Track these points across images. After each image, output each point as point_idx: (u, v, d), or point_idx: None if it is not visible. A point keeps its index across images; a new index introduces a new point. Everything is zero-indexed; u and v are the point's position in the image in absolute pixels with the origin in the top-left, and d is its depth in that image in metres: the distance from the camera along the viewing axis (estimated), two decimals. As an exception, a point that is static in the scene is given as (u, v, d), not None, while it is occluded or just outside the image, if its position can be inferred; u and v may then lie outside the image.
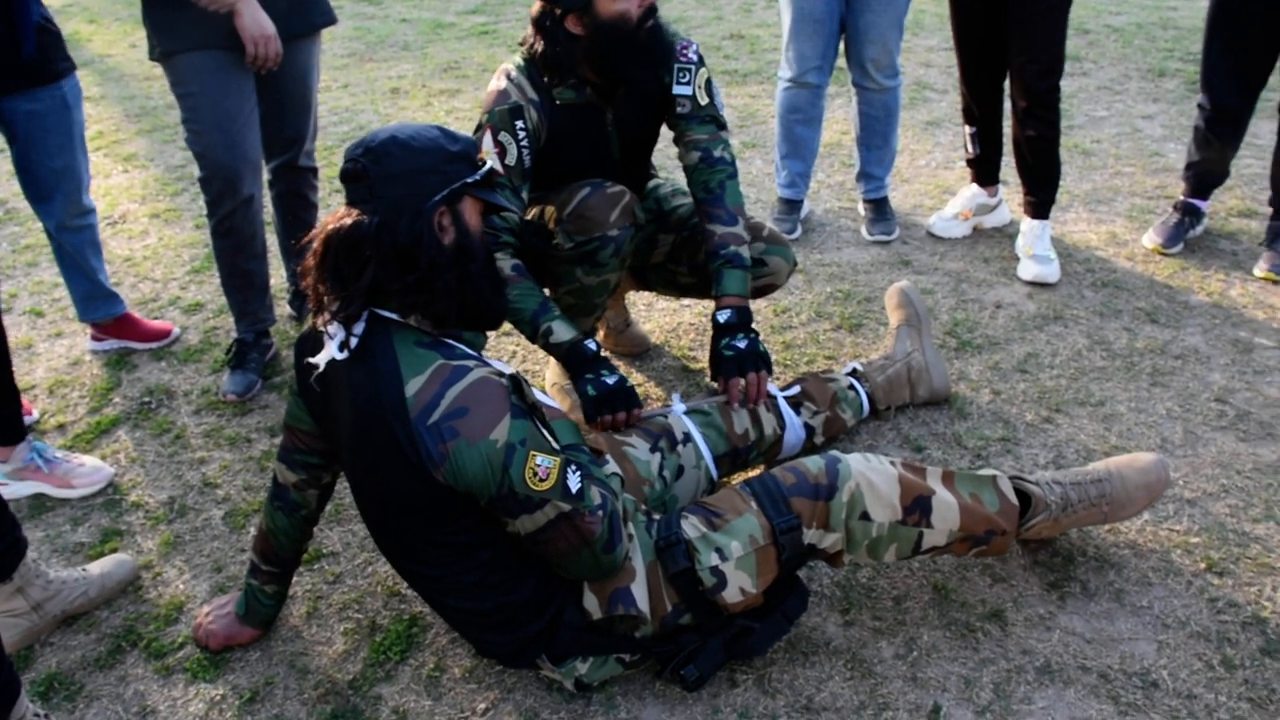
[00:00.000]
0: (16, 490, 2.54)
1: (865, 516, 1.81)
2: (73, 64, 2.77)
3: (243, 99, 2.69)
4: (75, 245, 2.96)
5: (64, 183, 2.82)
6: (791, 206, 3.64)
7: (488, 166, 1.73)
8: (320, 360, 1.71)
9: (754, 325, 2.38)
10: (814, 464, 1.85)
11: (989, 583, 2.09)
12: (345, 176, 1.66)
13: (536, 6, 2.29)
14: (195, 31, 2.58)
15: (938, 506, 1.86)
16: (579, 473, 1.68)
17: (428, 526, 1.69)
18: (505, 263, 2.27)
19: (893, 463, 1.89)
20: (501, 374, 1.65)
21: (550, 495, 1.62)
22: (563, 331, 2.25)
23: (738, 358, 2.32)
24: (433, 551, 1.73)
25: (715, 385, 2.37)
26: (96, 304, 3.08)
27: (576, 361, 2.26)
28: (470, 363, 1.63)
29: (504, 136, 2.28)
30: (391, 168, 1.62)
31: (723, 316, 2.36)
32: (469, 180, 1.68)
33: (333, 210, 1.71)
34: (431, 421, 1.57)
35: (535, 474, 1.60)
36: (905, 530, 1.84)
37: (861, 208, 3.71)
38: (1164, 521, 2.22)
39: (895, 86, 3.45)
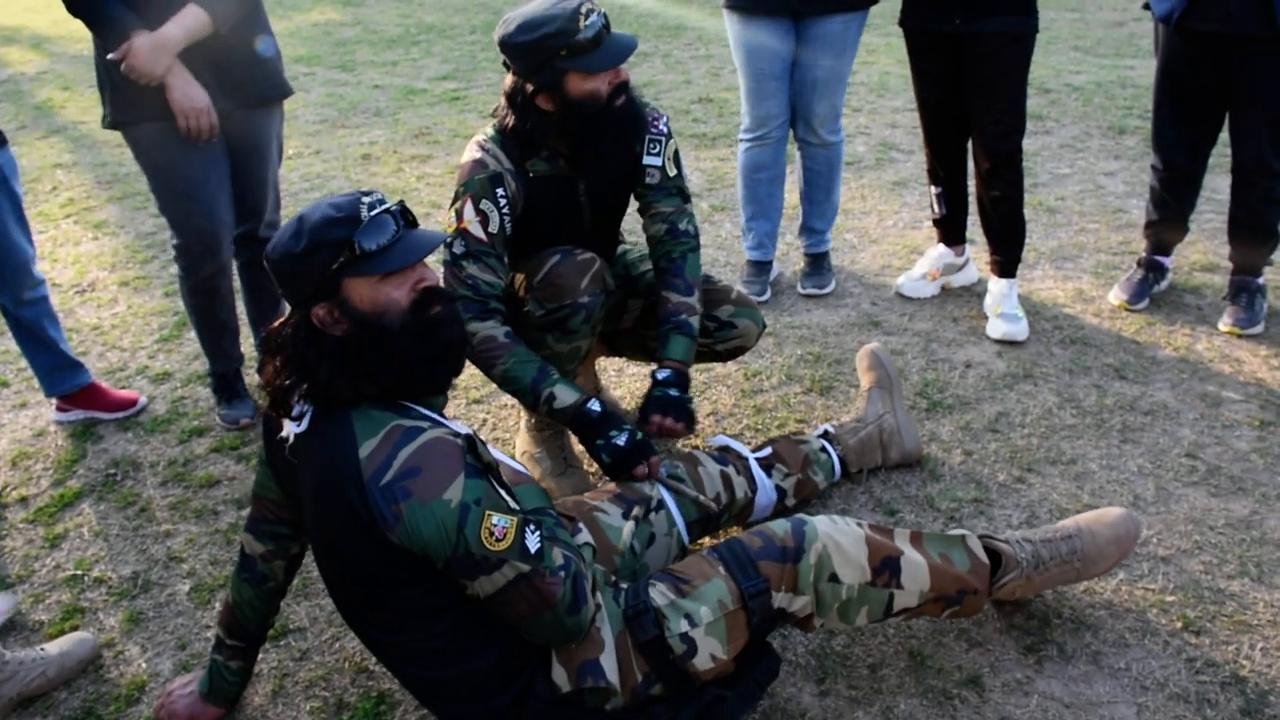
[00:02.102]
0: None
1: (834, 578, 1.80)
2: (4, 137, 2.77)
3: (208, 166, 2.71)
4: (33, 318, 2.93)
5: (12, 257, 2.80)
6: (760, 269, 3.67)
7: (364, 241, 1.60)
8: (286, 433, 1.72)
9: (689, 391, 2.42)
10: (780, 527, 1.85)
11: (965, 648, 2.07)
12: None
13: (508, 81, 2.30)
14: (145, 103, 2.60)
15: (907, 567, 1.85)
16: (538, 533, 1.65)
17: (387, 591, 1.66)
18: (497, 330, 2.26)
19: (859, 524, 1.88)
20: (456, 434, 1.63)
21: (508, 555, 1.59)
22: (565, 395, 2.24)
23: (662, 401, 2.34)
24: (394, 617, 1.69)
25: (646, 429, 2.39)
26: (61, 375, 3.05)
27: (584, 427, 2.25)
28: (424, 424, 1.62)
29: (485, 204, 2.28)
30: (274, 282, 1.68)
31: (661, 374, 2.39)
32: (334, 267, 1.61)
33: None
34: (384, 482, 1.54)
35: (491, 534, 1.57)
36: (875, 592, 1.83)
37: (801, 262, 3.75)
38: (1139, 580, 2.22)
39: (838, 142, 3.51)
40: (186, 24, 2.53)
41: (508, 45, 2.21)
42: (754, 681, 1.82)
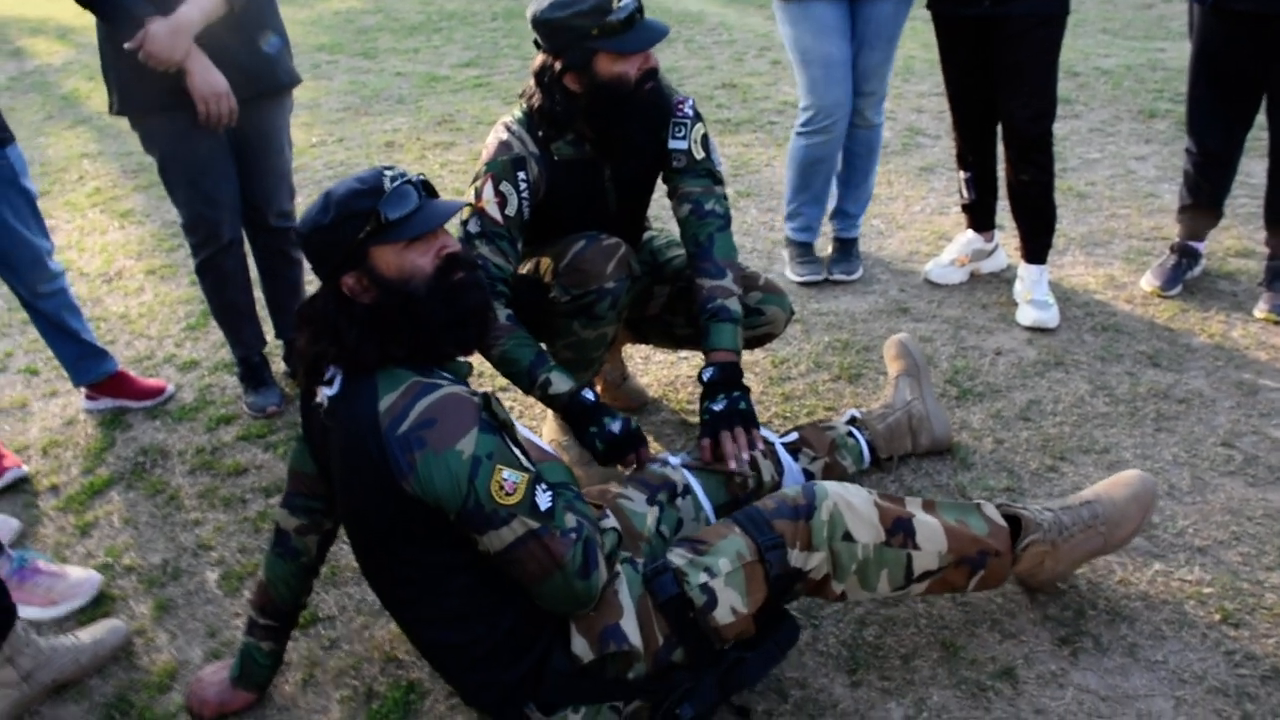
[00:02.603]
0: None
1: (848, 537, 1.82)
2: (12, 135, 2.74)
3: (214, 156, 2.73)
4: (53, 310, 2.93)
5: (27, 253, 2.80)
6: (809, 249, 3.68)
7: (389, 208, 1.65)
8: (320, 399, 1.76)
9: (743, 380, 2.33)
10: (792, 489, 1.89)
11: (999, 639, 2.04)
12: None
13: (537, 60, 2.29)
14: (153, 93, 2.60)
15: (920, 528, 1.86)
16: (549, 492, 1.67)
17: (404, 545, 1.69)
18: (500, 313, 2.26)
19: (869, 491, 1.90)
20: (474, 391, 1.68)
21: (517, 510, 1.61)
22: (560, 383, 2.23)
23: (713, 420, 2.27)
24: (412, 572, 1.72)
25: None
26: (87, 364, 3.06)
27: (577, 413, 2.24)
28: (443, 381, 1.67)
29: (505, 186, 2.28)
30: (306, 253, 1.72)
31: (707, 374, 2.31)
32: (360, 237, 1.66)
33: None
34: (400, 432, 1.59)
35: (501, 488, 1.60)
36: (892, 552, 1.84)
37: (829, 247, 3.72)
38: (1175, 571, 2.19)
39: (880, 124, 3.50)
40: (201, 5, 2.52)
41: (539, 21, 2.20)
42: (773, 644, 1.84)
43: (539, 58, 2.28)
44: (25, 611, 2.28)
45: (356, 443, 1.64)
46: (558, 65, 2.24)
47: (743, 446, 2.24)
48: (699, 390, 2.34)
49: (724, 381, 2.30)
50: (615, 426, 2.21)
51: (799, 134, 3.46)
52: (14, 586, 2.25)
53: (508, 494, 1.61)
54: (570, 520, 1.68)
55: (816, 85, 3.33)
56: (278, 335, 3.28)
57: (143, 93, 2.62)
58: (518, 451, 1.70)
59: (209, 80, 2.56)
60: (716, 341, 2.33)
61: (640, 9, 2.21)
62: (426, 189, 1.74)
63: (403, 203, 1.66)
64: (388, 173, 1.68)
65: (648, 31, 2.22)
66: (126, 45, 2.48)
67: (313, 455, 1.90)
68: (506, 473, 1.61)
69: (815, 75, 3.31)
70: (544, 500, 1.65)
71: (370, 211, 1.64)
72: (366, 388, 1.66)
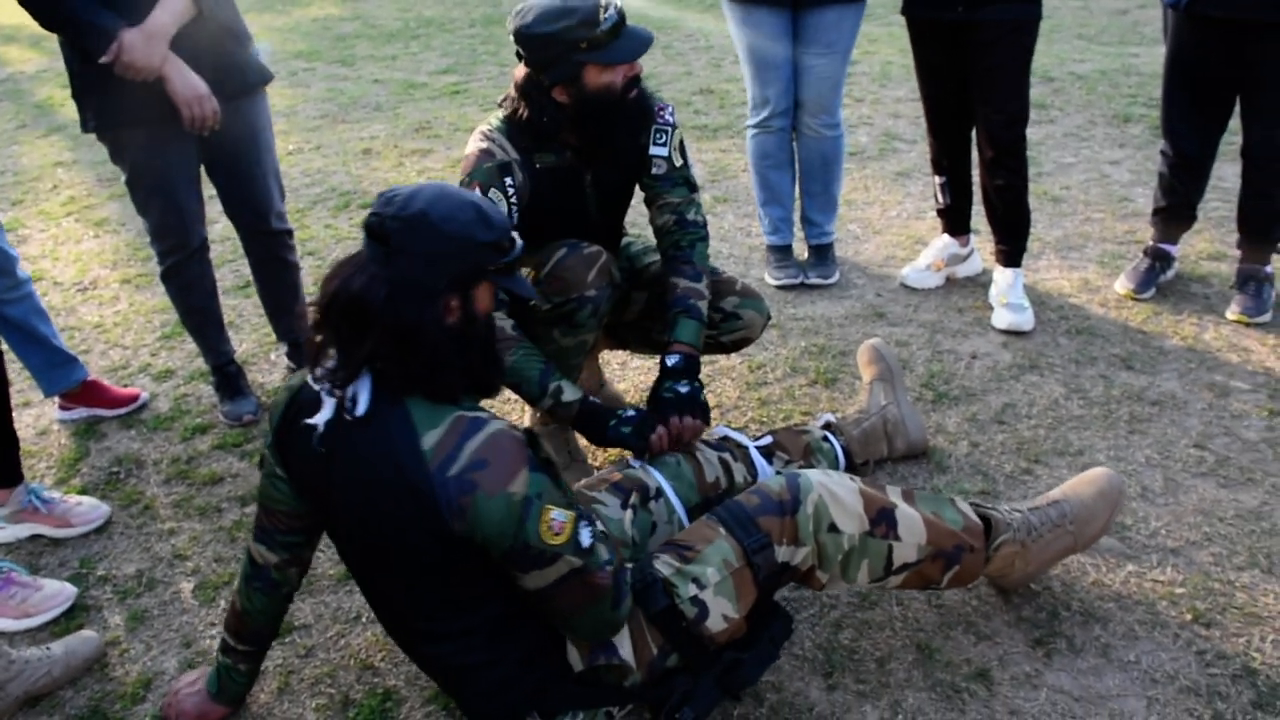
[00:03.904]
0: (14, 533, 2.58)
1: (834, 529, 1.82)
2: None
3: (183, 167, 2.74)
4: (20, 315, 2.89)
5: None
6: (783, 253, 3.69)
7: (515, 253, 1.67)
8: (319, 420, 1.64)
9: (699, 378, 2.37)
10: (775, 483, 1.87)
11: (974, 640, 2.05)
12: (367, 230, 1.59)
13: (521, 73, 2.27)
14: (126, 108, 2.58)
15: (903, 519, 1.87)
16: (590, 528, 1.66)
17: (439, 580, 1.65)
18: (505, 322, 2.24)
19: (852, 478, 1.90)
20: (515, 427, 1.64)
21: (563, 550, 1.60)
22: (570, 391, 2.24)
23: (677, 400, 2.28)
24: (436, 601, 1.69)
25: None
26: (56, 372, 3.02)
27: (590, 416, 2.25)
28: (484, 414, 1.62)
29: (494, 193, 2.26)
30: (414, 244, 1.55)
31: (671, 360, 2.34)
32: (490, 268, 1.63)
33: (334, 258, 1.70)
34: (451, 474, 1.54)
35: (550, 528, 1.58)
36: (875, 543, 1.84)
37: (805, 253, 3.75)
38: (1148, 572, 2.20)
39: (835, 136, 3.51)
40: (173, 9, 2.50)
41: (526, 36, 2.18)
42: (769, 640, 1.84)
43: (521, 70, 2.27)
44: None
45: (395, 482, 1.57)
46: (546, 80, 2.23)
47: (695, 433, 2.27)
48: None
49: (687, 370, 2.33)
50: (629, 413, 2.24)
51: (747, 128, 3.59)
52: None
53: (555, 534, 1.58)
54: (604, 552, 1.67)
55: (753, 83, 3.46)
56: (280, 337, 3.27)
57: (116, 108, 2.59)
58: (560, 489, 1.67)
59: (189, 83, 2.54)
60: (682, 335, 2.38)
61: (623, 17, 2.21)
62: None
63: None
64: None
65: (635, 40, 2.22)
66: (102, 59, 2.44)
67: (293, 483, 1.79)
68: (555, 512, 1.59)
69: (752, 74, 3.44)
70: (586, 537, 1.63)
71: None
72: (400, 419, 1.58)
